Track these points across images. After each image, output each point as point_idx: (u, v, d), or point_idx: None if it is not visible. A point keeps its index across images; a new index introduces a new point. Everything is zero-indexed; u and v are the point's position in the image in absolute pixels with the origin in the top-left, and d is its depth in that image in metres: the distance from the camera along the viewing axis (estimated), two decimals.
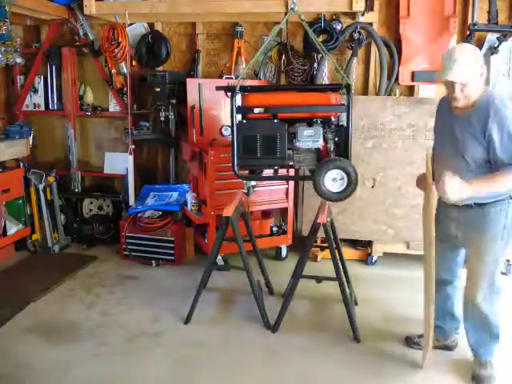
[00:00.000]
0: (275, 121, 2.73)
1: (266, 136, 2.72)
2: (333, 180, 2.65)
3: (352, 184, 2.65)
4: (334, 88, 2.88)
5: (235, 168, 2.77)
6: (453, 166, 2.21)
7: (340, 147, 2.77)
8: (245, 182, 3.05)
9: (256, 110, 2.68)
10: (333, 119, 2.79)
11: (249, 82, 3.64)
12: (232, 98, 2.68)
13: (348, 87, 2.69)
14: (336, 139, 2.76)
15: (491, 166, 2.21)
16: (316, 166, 2.71)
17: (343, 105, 2.71)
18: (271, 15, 3.94)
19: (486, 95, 2.20)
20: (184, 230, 4.12)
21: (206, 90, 3.95)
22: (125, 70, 4.13)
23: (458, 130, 2.27)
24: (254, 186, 3.13)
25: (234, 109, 2.69)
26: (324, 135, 2.74)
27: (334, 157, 2.72)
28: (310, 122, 2.74)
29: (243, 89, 2.76)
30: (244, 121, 2.73)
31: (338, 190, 2.68)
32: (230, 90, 2.71)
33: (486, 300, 2.36)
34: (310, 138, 2.71)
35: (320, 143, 2.73)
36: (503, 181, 2.17)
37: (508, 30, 3.72)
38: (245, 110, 2.72)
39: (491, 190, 2.19)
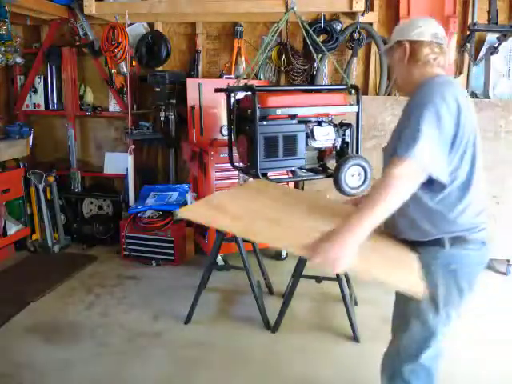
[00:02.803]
0: (293, 121, 2.73)
1: (287, 137, 2.72)
2: (352, 176, 2.69)
3: (368, 179, 2.71)
4: (342, 88, 2.94)
5: (259, 172, 2.70)
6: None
7: (349, 145, 2.81)
8: (242, 175, 3.06)
9: (278, 112, 2.68)
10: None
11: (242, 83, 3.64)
12: (254, 99, 2.62)
13: (356, 87, 2.81)
14: (346, 137, 2.80)
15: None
16: (339, 163, 2.73)
17: (351, 104, 2.77)
18: (271, 15, 3.94)
19: (426, 81, 1.62)
20: (184, 230, 4.11)
21: (205, 89, 3.95)
22: (125, 70, 4.13)
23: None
24: None
25: (257, 110, 2.62)
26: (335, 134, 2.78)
27: (353, 154, 2.76)
28: (320, 122, 2.76)
29: (261, 89, 2.77)
30: (264, 122, 2.70)
31: (357, 185, 2.72)
32: (252, 91, 2.67)
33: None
34: (325, 138, 2.74)
35: (332, 142, 2.76)
36: (380, 193, 1.41)
37: (508, 29, 3.72)
38: (268, 111, 2.68)
39: (378, 214, 1.41)
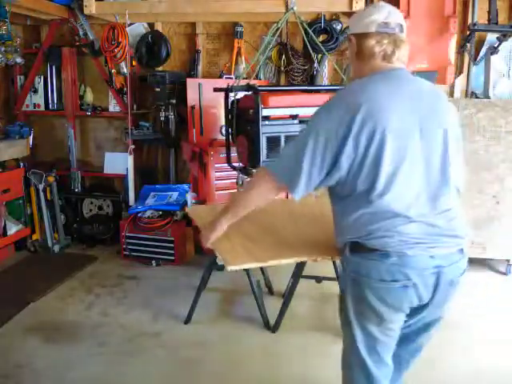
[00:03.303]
0: (295, 121, 2.73)
1: (289, 137, 2.73)
2: None
3: None
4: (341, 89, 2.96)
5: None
6: None
7: None
8: (240, 175, 3.08)
9: (279, 112, 2.68)
10: None
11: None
12: (257, 99, 2.62)
13: None
14: None
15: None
16: None
17: None
18: (271, 15, 3.94)
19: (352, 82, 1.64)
20: (184, 229, 4.11)
21: (205, 89, 3.95)
22: (125, 70, 4.12)
23: None
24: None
25: (260, 111, 2.62)
26: None
27: None
28: None
29: (262, 90, 2.77)
30: (266, 122, 2.70)
31: None
32: (254, 91, 2.68)
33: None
34: None
35: None
36: (239, 195, 1.81)
37: (508, 29, 3.72)
38: (269, 111, 2.69)
39: (239, 210, 1.72)
